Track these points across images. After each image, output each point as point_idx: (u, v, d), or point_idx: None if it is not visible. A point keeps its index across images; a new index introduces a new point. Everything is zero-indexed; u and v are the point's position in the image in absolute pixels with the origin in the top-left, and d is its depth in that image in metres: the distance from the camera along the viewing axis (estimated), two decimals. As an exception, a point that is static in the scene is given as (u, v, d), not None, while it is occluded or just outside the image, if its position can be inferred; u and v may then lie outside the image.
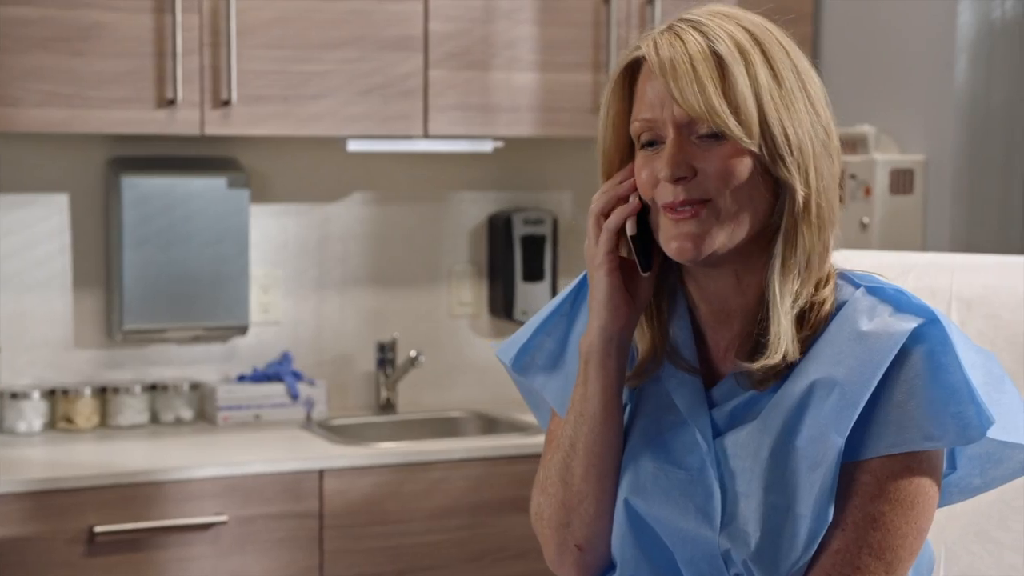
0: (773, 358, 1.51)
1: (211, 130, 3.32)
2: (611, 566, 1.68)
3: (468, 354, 3.94)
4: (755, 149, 1.49)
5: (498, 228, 3.90)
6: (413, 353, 3.72)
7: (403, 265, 3.88)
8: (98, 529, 3.03)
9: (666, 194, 1.52)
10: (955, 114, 3.49)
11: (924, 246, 3.56)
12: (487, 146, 3.65)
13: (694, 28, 1.51)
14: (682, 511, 1.58)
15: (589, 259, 1.61)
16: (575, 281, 1.73)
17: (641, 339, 1.64)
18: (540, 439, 3.42)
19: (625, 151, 1.59)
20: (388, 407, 3.79)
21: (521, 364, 1.73)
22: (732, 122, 1.48)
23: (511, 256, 3.86)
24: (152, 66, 3.27)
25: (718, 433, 1.58)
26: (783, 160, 1.49)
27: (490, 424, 3.75)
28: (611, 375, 1.61)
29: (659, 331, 1.63)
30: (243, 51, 3.33)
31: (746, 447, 1.54)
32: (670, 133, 1.51)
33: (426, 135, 3.50)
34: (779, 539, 1.51)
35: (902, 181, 3.56)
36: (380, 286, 3.86)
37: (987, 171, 3.53)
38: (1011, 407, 1.53)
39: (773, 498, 1.51)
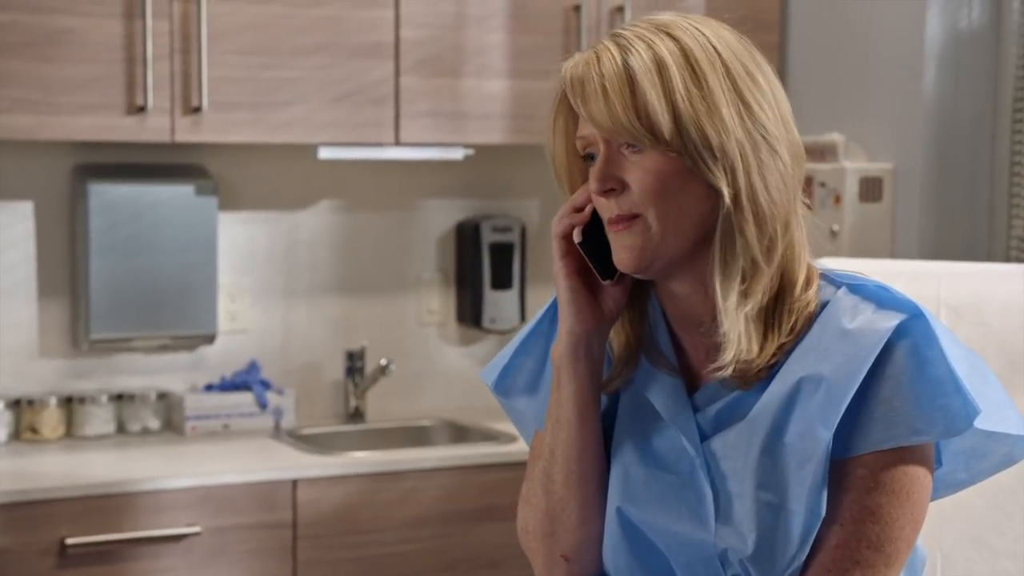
0: (726, 356, 1.52)
1: (181, 137, 3.29)
2: (600, 577, 1.68)
3: (436, 362, 3.93)
4: (673, 155, 1.50)
5: (466, 236, 3.89)
6: (384, 362, 3.70)
7: (371, 273, 3.86)
8: (70, 541, 2.99)
9: (602, 208, 1.56)
10: (923, 122, 3.52)
11: (893, 253, 3.58)
12: (458, 154, 3.63)
13: (615, 43, 1.54)
14: (676, 515, 1.58)
15: (553, 268, 1.64)
16: (552, 298, 1.74)
17: (616, 341, 1.65)
18: (512, 448, 3.43)
19: (582, 165, 1.62)
20: (357, 416, 3.77)
21: (504, 386, 1.75)
22: (641, 132, 1.50)
23: (479, 264, 3.85)
24: (122, 72, 3.23)
25: (704, 437, 1.59)
26: (704, 162, 1.50)
27: (460, 433, 3.74)
28: (583, 379, 1.62)
29: (634, 335, 1.64)
30: (214, 57, 3.30)
31: (735, 448, 1.55)
32: (600, 147, 1.55)
33: (397, 143, 3.49)
34: (774, 536, 1.52)
35: (871, 189, 3.58)
36: (348, 294, 3.83)
37: (955, 179, 3.56)
38: (996, 399, 1.55)
39: (765, 496, 1.52)
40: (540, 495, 1.66)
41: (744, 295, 1.53)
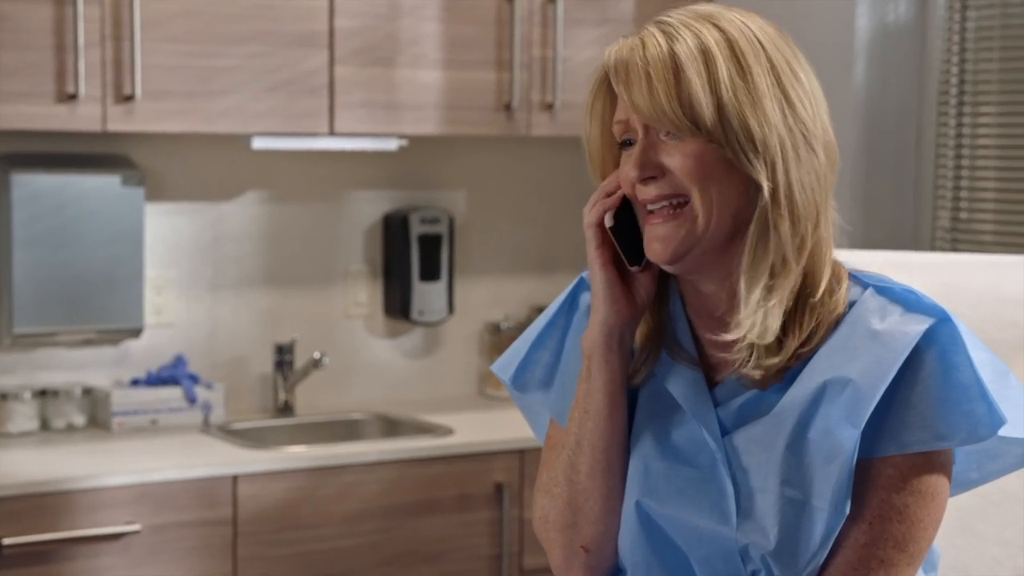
0: (739, 331, 1.51)
1: (113, 126, 3.21)
2: (618, 570, 1.67)
3: (364, 355, 3.89)
4: (714, 145, 1.50)
5: (394, 227, 3.85)
6: (317, 355, 3.64)
7: (298, 265, 3.80)
8: (6, 541, 2.91)
9: (641, 192, 1.55)
10: (852, 115, 3.56)
11: (822, 244, 3.62)
12: (392, 144, 3.60)
13: (660, 30, 1.53)
14: (696, 509, 1.57)
15: (588, 258, 1.62)
16: (567, 291, 1.73)
17: (639, 333, 1.64)
18: (449, 441, 3.42)
19: (616, 152, 1.60)
20: (286, 410, 3.71)
21: (521, 381, 1.73)
22: (683, 121, 1.49)
23: (408, 256, 3.82)
24: (52, 59, 3.14)
25: (725, 431, 1.58)
26: (746, 154, 1.50)
27: (392, 426, 3.70)
28: (614, 370, 1.61)
29: (655, 327, 1.64)
30: (147, 45, 3.22)
31: (760, 442, 1.55)
32: (639, 133, 1.53)
33: (332, 133, 3.44)
34: (797, 533, 1.52)
35: (801, 181, 3.61)
36: (275, 287, 3.78)
37: (882, 171, 3.61)
38: (1018, 402, 1.55)
39: (790, 492, 1.52)
40: (563, 485, 1.64)
41: (769, 290, 1.52)
